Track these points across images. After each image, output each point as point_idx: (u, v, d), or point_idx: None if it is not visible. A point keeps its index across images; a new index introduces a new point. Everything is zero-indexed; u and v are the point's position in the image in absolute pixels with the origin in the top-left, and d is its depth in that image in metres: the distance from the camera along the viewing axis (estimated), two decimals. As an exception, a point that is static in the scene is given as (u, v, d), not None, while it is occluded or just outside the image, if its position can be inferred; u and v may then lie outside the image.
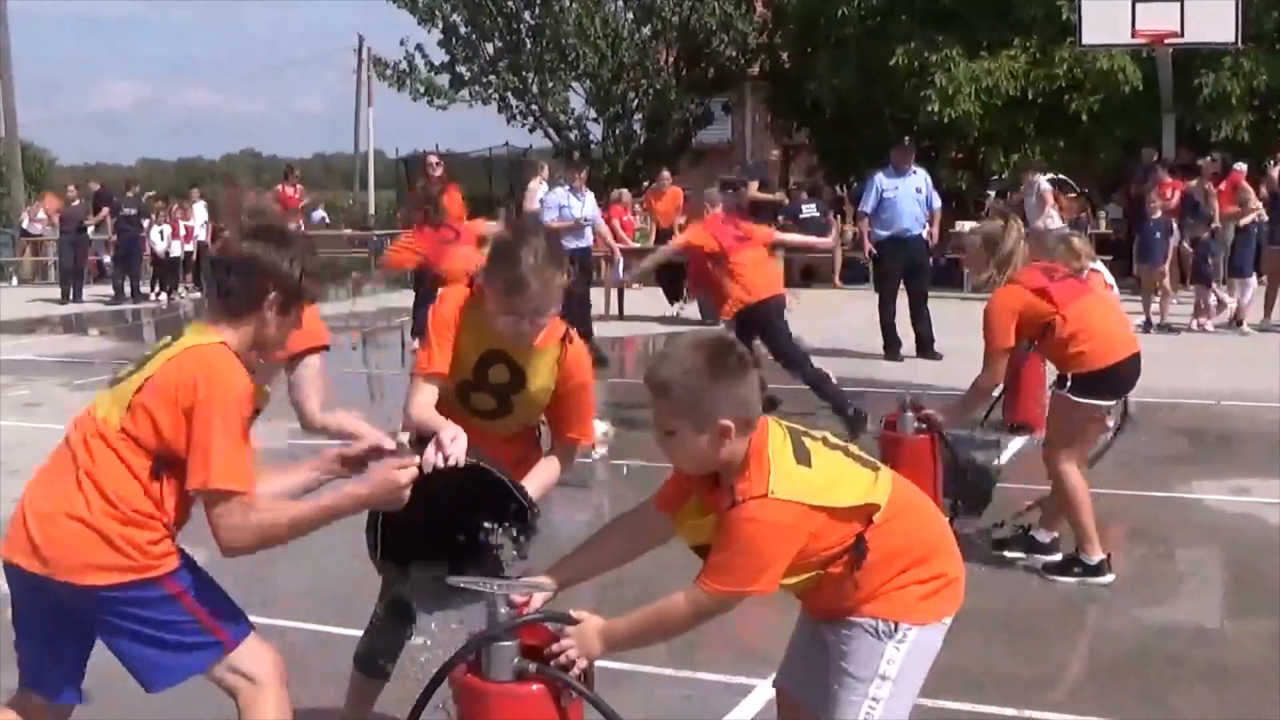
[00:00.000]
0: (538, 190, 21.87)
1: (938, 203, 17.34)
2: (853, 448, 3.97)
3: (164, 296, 28.17)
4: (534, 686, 4.00)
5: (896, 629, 3.80)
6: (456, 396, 4.97)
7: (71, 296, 27.91)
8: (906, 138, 19.75)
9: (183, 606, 4.26)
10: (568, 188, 18.30)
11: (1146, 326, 18.51)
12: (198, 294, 28.41)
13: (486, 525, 4.39)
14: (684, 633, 4.06)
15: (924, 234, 16.88)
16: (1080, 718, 5.89)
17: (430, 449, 4.39)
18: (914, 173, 17.13)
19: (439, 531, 4.43)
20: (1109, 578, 7.84)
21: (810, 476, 3.75)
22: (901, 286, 16.80)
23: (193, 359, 4.23)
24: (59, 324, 23.87)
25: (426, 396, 4.86)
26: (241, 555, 4.23)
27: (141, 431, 4.19)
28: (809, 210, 24.93)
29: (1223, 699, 6.26)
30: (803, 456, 3.79)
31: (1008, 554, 8.13)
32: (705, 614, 3.91)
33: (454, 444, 4.40)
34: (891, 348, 16.80)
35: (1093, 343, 7.58)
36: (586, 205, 18.19)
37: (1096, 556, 7.84)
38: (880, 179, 17.02)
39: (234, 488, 4.13)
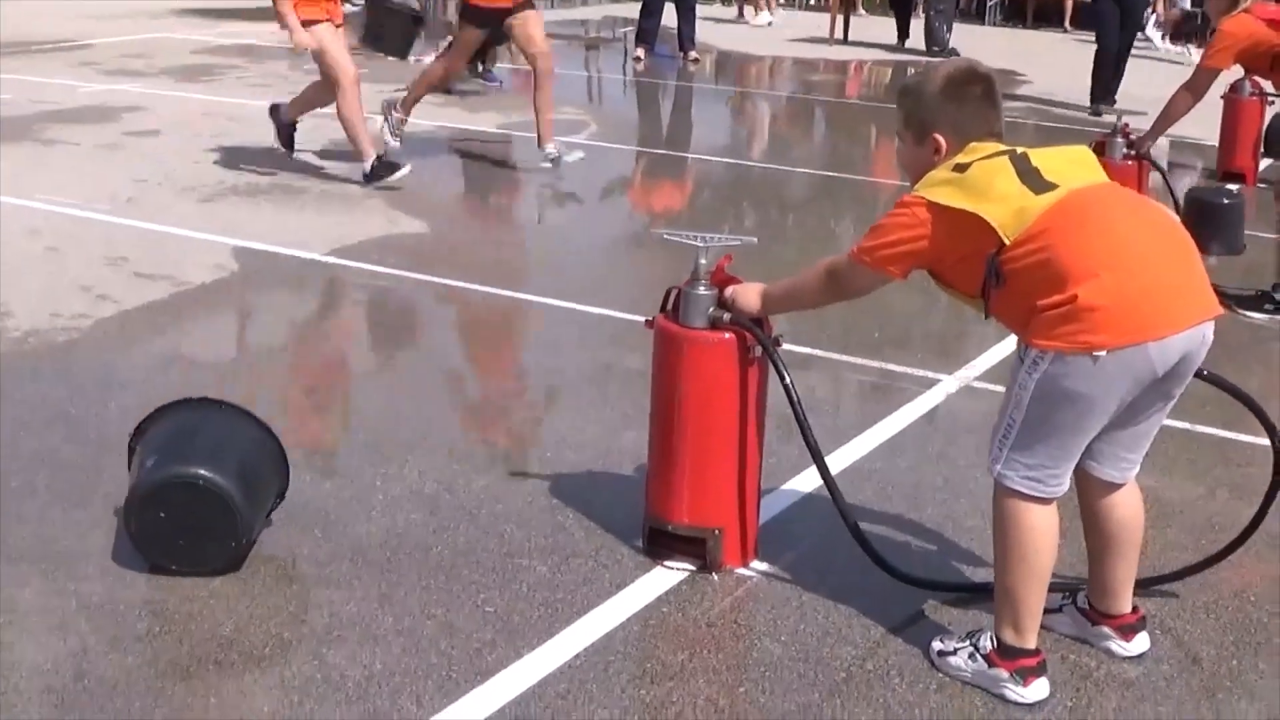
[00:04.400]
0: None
1: None
2: (1049, 167, 3.87)
3: None
4: (726, 335, 4.29)
5: (1027, 353, 3.82)
6: None
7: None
8: None
9: None
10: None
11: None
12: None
13: None
14: (828, 299, 4.30)
15: None
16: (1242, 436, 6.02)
17: None
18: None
19: None
20: (1305, 316, 7.91)
21: (955, 180, 3.86)
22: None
23: None
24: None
25: None
26: None
27: None
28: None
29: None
30: (964, 167, 3.89)
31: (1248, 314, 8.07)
32: (838, 278, 4.16)
33: None
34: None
35: None
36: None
37: None
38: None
39: None
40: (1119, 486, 4.09)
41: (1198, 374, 3.95)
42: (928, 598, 4.46)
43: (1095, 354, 3.65)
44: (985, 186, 3.80)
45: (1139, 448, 4.06)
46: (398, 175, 10.00)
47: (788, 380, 4.31)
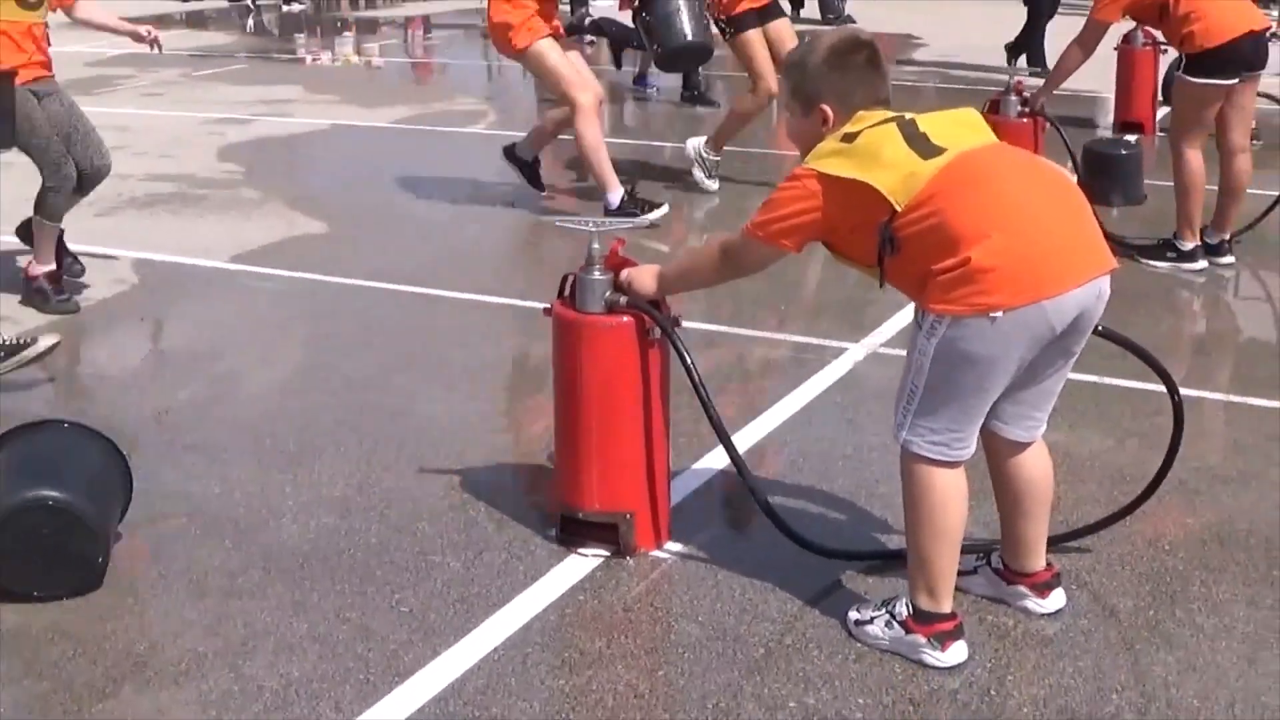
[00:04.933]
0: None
1: None
2: (937, 131, 3.87)
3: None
4: (623, 318, 4.27)
5: (924, 319, 3.81)
6: None
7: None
8: None
9: None
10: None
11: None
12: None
13: None
14: (722, 276, 4.29)
15: None
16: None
17: None
18: None
19: None
20: (1200, 264, 8.04)
21: (844, 150, 3.86)
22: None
23: None
24: (180, 20, 24.04)
25: None
26: None
27: None
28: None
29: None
30: (853, 136, 3.89)
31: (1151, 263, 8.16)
32: (734, 254, 4.15)
33: None
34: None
35: (1205, 21, 7.58)
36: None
37: (1190, 243, 8.03)
38: None
39: None
40: (1026, 445, 4.10)
41: (1095, 330, 3.97)
42: (843, 568, 4.46)
43: (992, 315, 3.65)
44: (874, 154, 3.80)
45: (1044, 406, 4.07)
46: (657, 214, 8.70)
47: (689, 360, 4.29)
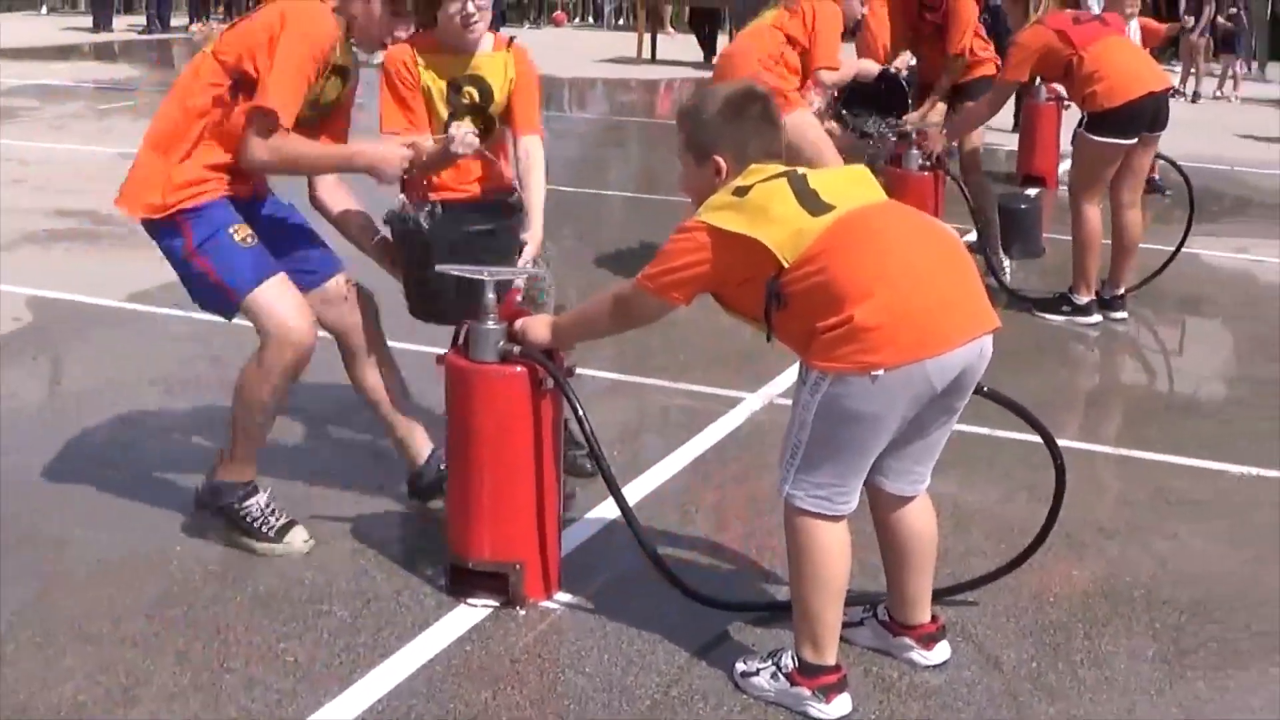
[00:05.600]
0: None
1: None
2: (827, 188, 3.91)
3: (196, 26, 27.95)
4: (517, 368, 4.27)
5: (808, 375, 3.84)
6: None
7: (102, 25, 27.75)
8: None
9: (195, 261, 4.75)
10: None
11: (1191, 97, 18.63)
12: (229, 24, 28.31)
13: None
14: (614, 327, 4.31)
15: None
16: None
17: (453, 127, 4.91)
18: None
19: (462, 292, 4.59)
20: (1095, 318, 8.20)
21: (735, 205, 3.89)
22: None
23: (289, 5, 4.66)
24: (90, 52, 23.89)
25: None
26: (255, 168, 4.74)
27: (227, 55, 4.71)
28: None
29: (1185, 431, 6.59)
30: (745, 190, 3.91)
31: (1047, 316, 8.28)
32: (625, 306, 4.16)
33: (467, 137, 4.84)
34: None
35: (1107, 81, 7.77)
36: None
37: (1085, 298, 8.19)
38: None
39: (273, 107, 4.56)
40: (910, 500, 4.14)
41: (977, 389, 4.01)
42: (732, 620, 4.47)
43: (873, 373, 3.69)
44: (764, 210, 3.83)
45: (927, 461, 4.11)
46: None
47: (580, 411, 4.30)
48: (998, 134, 11.93)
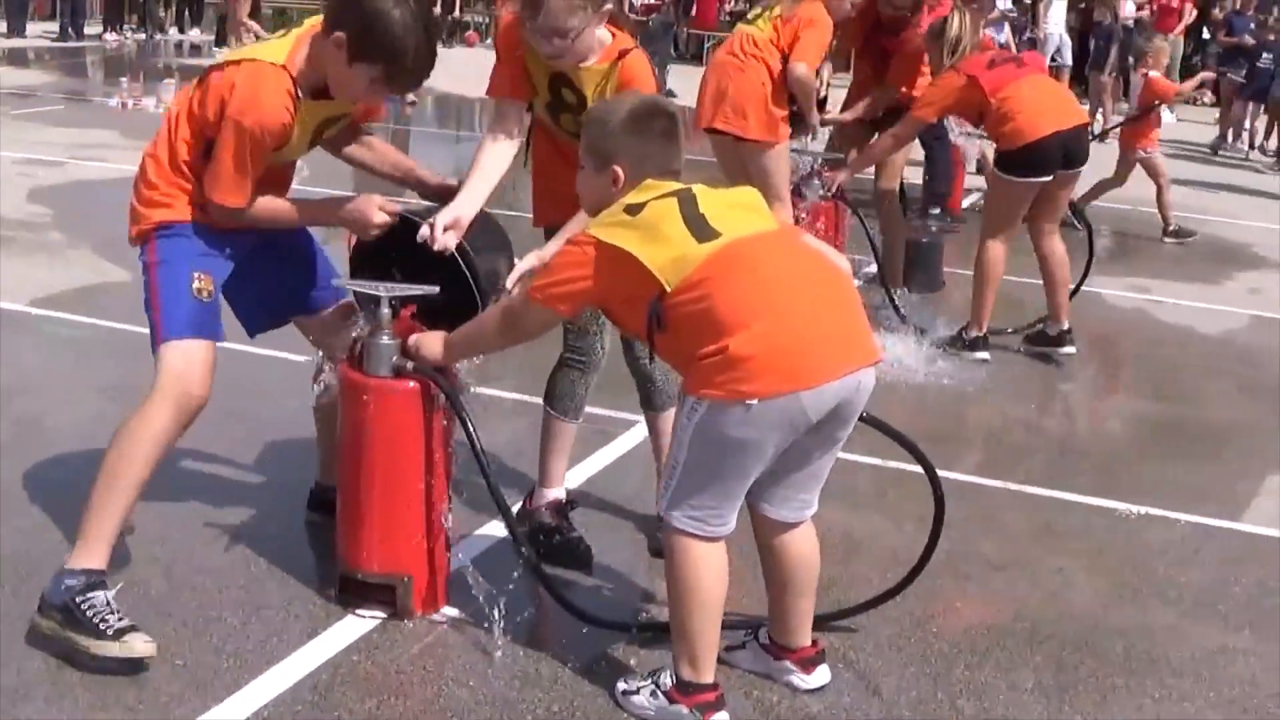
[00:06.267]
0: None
1: None
2: (716, 213, 3.95)
3: (111, 35, 27.75)
4: (410, 384, 4.32)
5: (685, 400, 3.91)
6: (549, 118, 5.03)
7: (15, 31, 27.48)
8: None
9: (149, 275, 4.59)
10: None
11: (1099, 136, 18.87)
12: (143, 35, 28.22)
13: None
14: (505, 340, 4.30)
15: None
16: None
17: (424, 228, 4.58)
18: None
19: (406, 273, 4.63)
20: (984, 354, 8.36)
21: (626, 222, 3.93)
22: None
23: (243, 72, 4.44)
24: (2, 57, 23.67)
25: (499, 123, 4.98)
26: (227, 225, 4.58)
27: (198, 112, 4.51)
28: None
29: (1074, 467, 6.71)
30: (637, 208, 3.96)
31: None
32: (513, 317, 4.20)
33: (447, 235, 4.57)
34: None
35: (1016, 121, 7.91)
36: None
37: (975, 333, 8.37)
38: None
39: (220, 201, 4.49)
40: (794, 525, 4.21)
41: (861, 417, 4.09)
42: (617, 638, 4.54)
43: (747, 402, 3.75)
44: (652, 229, 3.88)
45: (812, 488, 4.18)
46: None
47: (470, 427, 4.36)
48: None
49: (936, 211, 12.11)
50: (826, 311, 3.91)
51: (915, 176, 12.37)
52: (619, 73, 4.80)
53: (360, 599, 4.57)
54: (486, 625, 4.55)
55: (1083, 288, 9.13)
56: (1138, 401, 8.06)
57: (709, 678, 4.05)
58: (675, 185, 4.04)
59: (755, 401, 3.74)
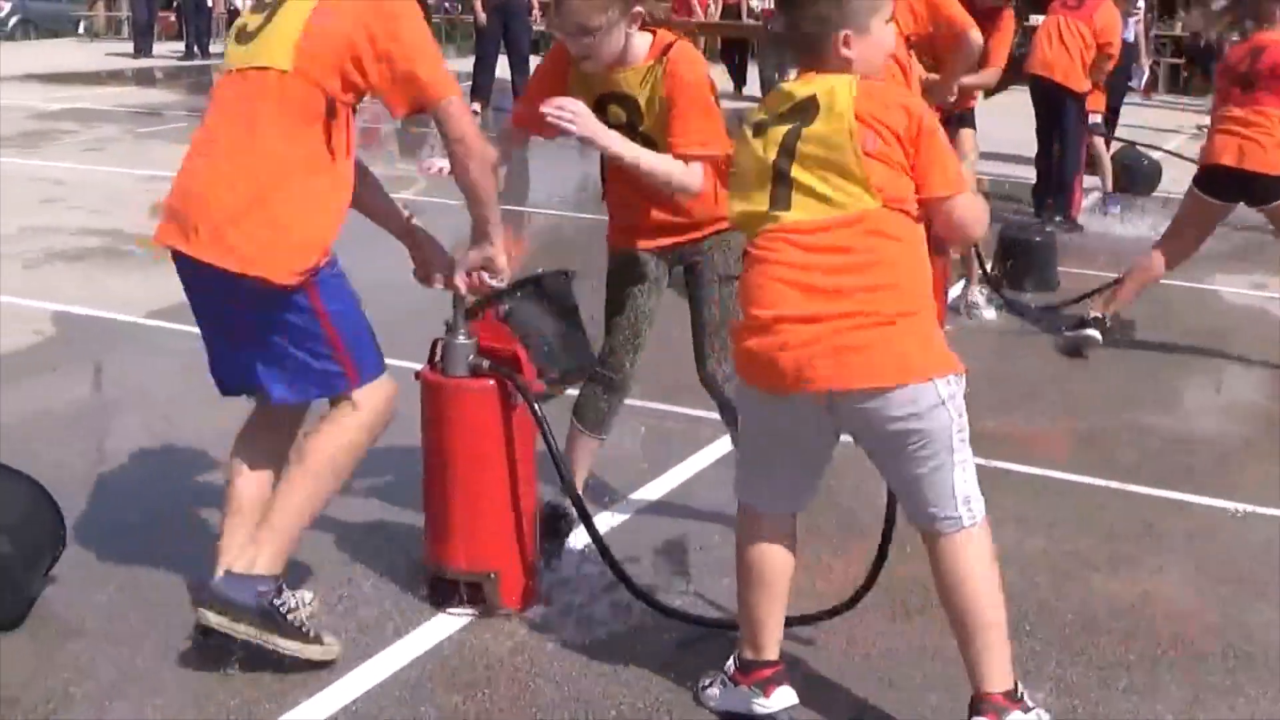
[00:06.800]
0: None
1: None
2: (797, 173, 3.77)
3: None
4: (487, 382, 4.39)
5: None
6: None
7: (143, 51, 28.07)
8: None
9: (320, 325, 4.24)
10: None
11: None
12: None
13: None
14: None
15: None
16: (1039, 470, 6.26)
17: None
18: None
19: None
20: (1095, 333, 8.36)
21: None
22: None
23: None
24: (130, 77, 24.17)
25: None
26: (472, 176, 4.39)
27: (312, 67, 4.17)
28: None
29: (1178, 462, 6.64)
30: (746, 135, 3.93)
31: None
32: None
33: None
34: None
35: None
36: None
37: (1096, 313, 8.47)
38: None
39: (454, 93, 4.30)
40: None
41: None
42: (701, 635, 4.57)
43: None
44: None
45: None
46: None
47: (545, 427, 4.43)
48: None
49: (1059, 219, 11.92)
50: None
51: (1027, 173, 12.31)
52: (666, 65, 4.74)
53: (450, 597, 4.65)
54: (576, 622, 4.61)
55: (1200, 286, 9.01)
56: (1247, 398, 7.95)
57: (767, 655, 4.05)
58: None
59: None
